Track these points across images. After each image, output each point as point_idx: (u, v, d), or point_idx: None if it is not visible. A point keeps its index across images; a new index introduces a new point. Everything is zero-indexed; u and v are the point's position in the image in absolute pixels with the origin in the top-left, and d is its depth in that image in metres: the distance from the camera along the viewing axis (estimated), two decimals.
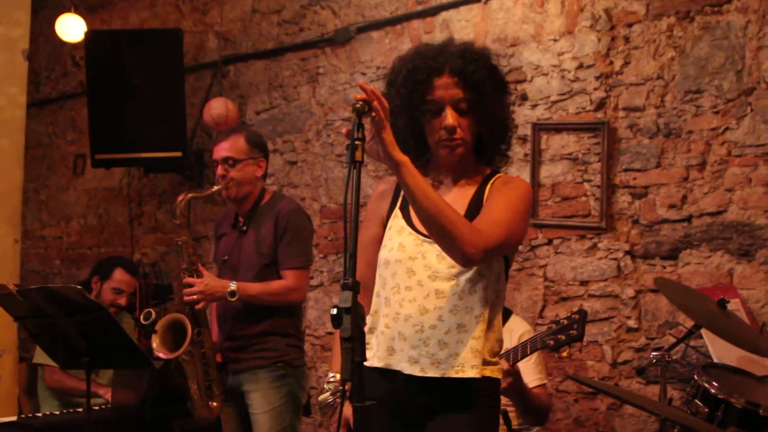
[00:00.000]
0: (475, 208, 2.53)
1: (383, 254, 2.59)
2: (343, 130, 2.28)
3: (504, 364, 3.28)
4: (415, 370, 2.48)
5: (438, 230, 2.34)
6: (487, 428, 2.55)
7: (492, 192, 2.54)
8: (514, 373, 3.33)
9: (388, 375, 2.52)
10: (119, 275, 4.81)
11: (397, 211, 2.64)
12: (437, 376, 2.45)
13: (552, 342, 3.30)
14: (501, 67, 2.61)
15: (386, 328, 2.53)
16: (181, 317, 3.75)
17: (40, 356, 4.67)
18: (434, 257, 2.49)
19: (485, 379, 2.48)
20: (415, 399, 2.50)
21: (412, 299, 2.49)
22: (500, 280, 2.55)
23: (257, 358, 3.78)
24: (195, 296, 3.71)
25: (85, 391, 4.52)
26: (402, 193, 2.63)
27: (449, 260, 2.44)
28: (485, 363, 2.48)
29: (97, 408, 4.31)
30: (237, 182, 3.86)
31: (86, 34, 5.92)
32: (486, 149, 2.60)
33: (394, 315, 2.51)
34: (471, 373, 2.44)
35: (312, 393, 4.06)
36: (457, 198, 2.54)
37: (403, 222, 2.60)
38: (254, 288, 3.75)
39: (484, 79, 2.49)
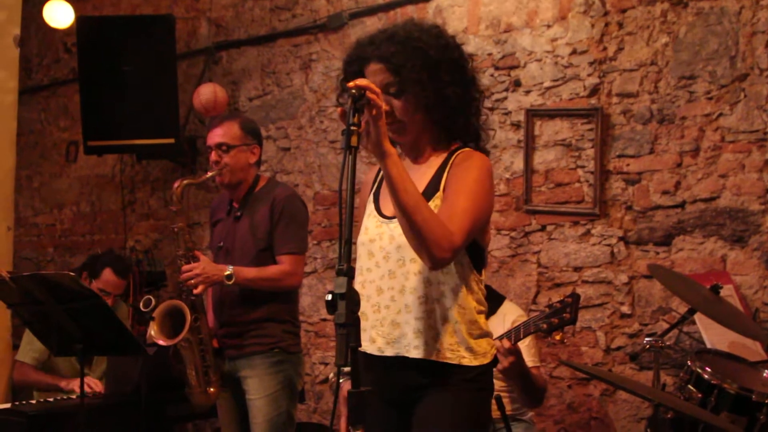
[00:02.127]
0: (432, 187, 2.54)
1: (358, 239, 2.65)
2: (338, 111, 2.29)
3: (506, 343, 3.30)
4: (373, 350, 2.54)
5: (411, 228, 2.34)
6: (464, 414, 2.52)
7: (450, 175, 2.54)
8: (515, 352, 3.34)
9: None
10: (107, 276, 4.76)
11: (371, 197, 2.70)
12: (391, 355, 2.52)
13: (545, 326, 3.31)
14: (450, 46, 2.58)
15: None
16: (180, 304, 3.74)
17: (20, 352, 4.68)
18: (387, 238, 2.54)
19: (447, 365, 2.49)
20: (393, 379, 2.55)
21: (371, 280, 2.56)
22: (461, 262, 2.51)
23: (254, 344, 3.78)
24: (193, 280, 3.71)
25: (48, 385, 4.55)
26: (377, 179, 2.69)
27: (398, 240, 2.49)
28: (449, 348, 2.48)
29: (73, 397, 4.33)
30: (230, 168, 3.86)
31: (77, 20, 5.89)
32: (442, 126, 2.60)
33: None
34: (414, 353, 2.48)
35: (307, 379, 4.07)
36: (416, 179, 2.52)
37: (372, 206, 2.66)
38: (250, 272, 3.75)
39: (407, 60, 2.48)
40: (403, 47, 2.50)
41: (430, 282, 2.49)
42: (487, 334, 2.58)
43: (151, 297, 3.81)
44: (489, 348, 2.58)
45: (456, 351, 2.50)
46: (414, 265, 2.49)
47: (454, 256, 2.41)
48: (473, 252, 2.54)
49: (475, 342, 2.53)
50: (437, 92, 2.52)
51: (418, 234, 2.32)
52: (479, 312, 2.56)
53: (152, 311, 3.74)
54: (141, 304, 3.80)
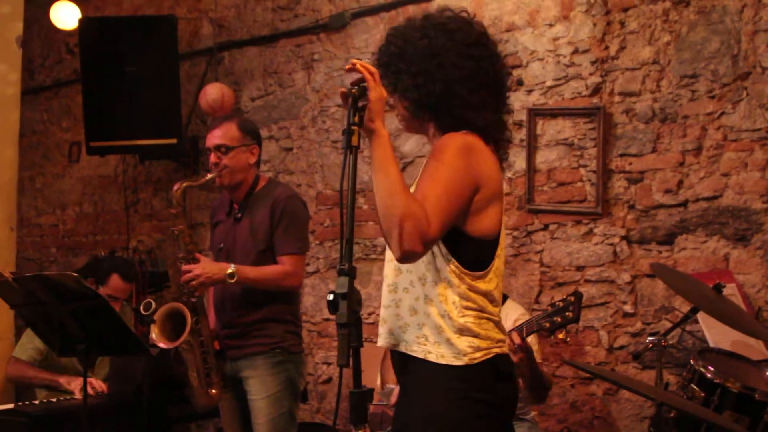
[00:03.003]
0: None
1: None
2: (340, 91, 2.31)
3: (516, 339, 3.30)
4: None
5: (383, 213, 2.26)
6: (432, 414, 2.36)
7: (425, 164, 2.40)
8: (524, 348, 3.33)
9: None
10: (115, 282, 4.75)
11: None
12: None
13: (548, 324, 3.31)
14: (416, 36, 2.47)
15: None
16: (180, 306, 3.74)
17: (18, 349, 4.67)
18: None
19: (416, 359, 2.40)
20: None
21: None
22: (432, 251, 2.37)
23: (255, 345, 3.77)
24: (194, 281, 3.71)
25: (44, 380, 4.54)
26: None
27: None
28: (416, 341, 2.39)
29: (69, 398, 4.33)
30: (230, 169, 3.85)
31: (80, 21, 5.90)
32: (416, 118, 2.53)
33: None
34: (379, 342, 2.50)
35: (310, 379, 4.07)
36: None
37: None
38: (252, 272, 3.74)
39: (379, 53, 2.53)
40: (385, 40, 2.55)
41: (400, 270, 2.44)
42: (471, 333, 2.37)
43: (151, 300, 3.81)
44: (471, 350, 2.36)
45: (422, 345, 2.38)
46: (389, 252, 2.43)
47: (427, 250, 2.28)
48: (452, 240, 2.36)
49: (448, 338, 2.36)
50: (393, 86, 2.49)
51: (390, 222, 2.22)
52: (465, 308, 2.38)
53: (152, 314, 3.73)
54: (141, 308, 3.80)
